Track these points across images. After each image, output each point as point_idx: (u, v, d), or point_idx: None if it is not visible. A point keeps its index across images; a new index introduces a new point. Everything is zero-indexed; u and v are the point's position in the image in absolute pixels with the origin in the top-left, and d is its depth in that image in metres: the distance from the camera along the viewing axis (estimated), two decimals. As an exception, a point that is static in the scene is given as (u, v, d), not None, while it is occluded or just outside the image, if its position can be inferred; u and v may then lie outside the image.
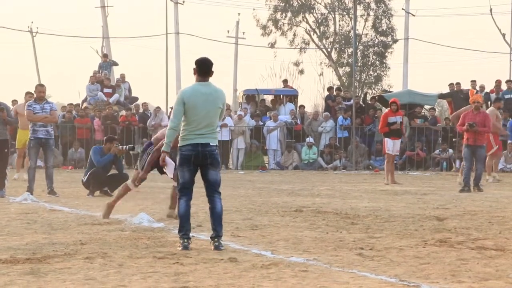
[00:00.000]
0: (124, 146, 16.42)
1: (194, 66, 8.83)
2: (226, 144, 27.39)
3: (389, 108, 20.81)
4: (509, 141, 25.87)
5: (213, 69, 8.84)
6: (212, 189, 8.83)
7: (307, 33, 49.42)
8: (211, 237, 8.76)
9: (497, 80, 29.24)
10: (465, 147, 17.75)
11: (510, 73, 44.22)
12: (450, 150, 27.17)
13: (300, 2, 48.80)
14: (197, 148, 8.69)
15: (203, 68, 8.81)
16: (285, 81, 35.32)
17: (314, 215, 12.07)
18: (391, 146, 20.36)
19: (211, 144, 8.72)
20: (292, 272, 7.26)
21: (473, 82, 28.82)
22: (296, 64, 50.09)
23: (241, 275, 7.12)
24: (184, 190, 8.84)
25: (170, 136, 8.90)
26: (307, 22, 49.28)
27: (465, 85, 28.95)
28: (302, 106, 30.58)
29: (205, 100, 8.70)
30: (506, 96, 27.99)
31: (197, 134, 8.71)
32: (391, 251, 8.47)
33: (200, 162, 8.72)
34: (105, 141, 16.54)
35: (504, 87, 29.09)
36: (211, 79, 8.89)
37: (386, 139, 20.38)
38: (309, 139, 27.87)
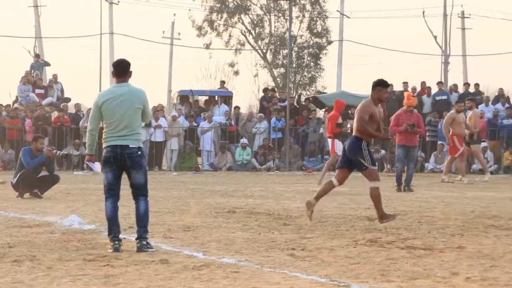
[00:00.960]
0: (58, 152, 16.21)
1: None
2: (159, 145, 27.28)
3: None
4: (439, 142, 26.23)
5: (131, 70, 8.79)
6: (136, 192, 8.78)
7: (243, 34, 49.51)
8: (135, 239, 8.72)
9: (422, 83, 29.62)
10: (399, 148, 17.97)
11: (442, 75, 44.91)
12: (383, 151, 27.45)
13: (235, 3, 48.83)
14: (116, 150, 8.66)
15: (119, 69, 8.78)
16: (222, 82, 35.33)
17: (247, 216, 12.08)
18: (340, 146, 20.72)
19: (130, 146, 8.66)
20: (224, 273, 7.26)
21: (405, 83, 29.16)
22: (232, 65, 50.17)
23: (172, 277, 7.09)
24: (110, 192, 8.80)
25: (89, 140, 8.93)
26: (243, 23, 49.37)
27: (398, 87, 29.27)
28: (236, 107, 30.60)
29: (122, 101, 8.65)
30: (437, 98, 28.38)
31: (116, 136, 8.67)
32: (322, 252, 8.52)
33: (120, 163, 8.67)
34: (32, 140, 16.42)
35: (435, 89, 29.49)
36: (131, 80, 8.85)
37: (335, 140, 20.63)
38: (243, 140, 27.89)
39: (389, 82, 30.25)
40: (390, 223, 10.88)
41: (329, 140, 20.87)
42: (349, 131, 20.53)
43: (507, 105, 28.34)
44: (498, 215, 12.17)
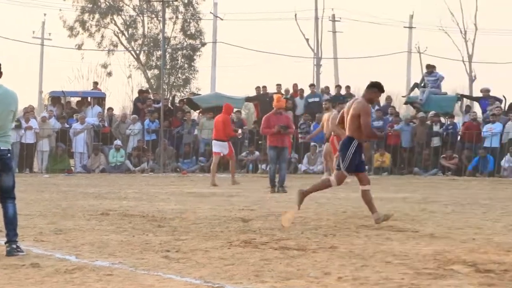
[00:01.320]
0: None
1: (-18, 70, 8.57)
2: (30, 147, 26.68)
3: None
4: (312, 144, 26.62)
5: (1, 70, 8.57)
6: (4, 195, 8.58)
7: (116, 35, 49.03)
8: (5, 243, 8.51)
9: (294, 85, 30.02)
10: (271, 149, 18.16)
11: (314, 77, 45.63)
12: (257, 153, 27.66)
13: (108, 4, 48.29)
14: (-13, 152, 8.44)
15: None
16: (95, 84, 34.88)
17: (121, 218, 11.95)
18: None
19: (2, 148, 8.45)
20: (97, 276, 7.16)
21: (279, 85, 29.47)
22: (104, 66, 49.61)
23: (43, 281, 6.94)
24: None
25: None
26: (116, 24, 48.87)
27: (271, 89, 29.58)
28: (110, 109, 30.22)
29: None
30: (310, 100, 28.80)
31: (-12, 138, 8.45)
32: (196, 253, 8.51)
33: None
34: None
35: (308, 91, 29.92)
36: (1, 81, 8.62)
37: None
38: (117, 142, 27.61)
39: (264, 84, 30.64)
40: (380, 222, 11.08)
41: (219, 143, 20.94)
42: (239, 136, 20.73)
43: (377, 107, 29.02)
44: (369, 215, 12.42)
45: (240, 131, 24.36)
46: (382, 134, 13.19)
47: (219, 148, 20.99)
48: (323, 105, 23.07)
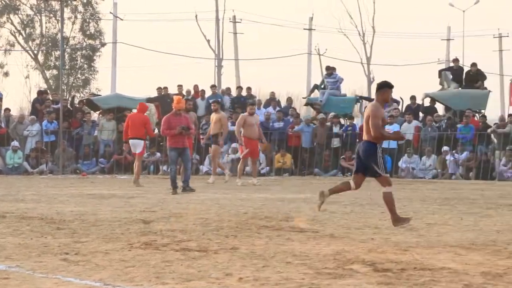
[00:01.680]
0: None
1: None
2: None
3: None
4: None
5: None
6: None
7: (12, 35, 48.10)
8: None
9: (195, 86, 30.03)
10: (172, 151, 18.13)
11: (215, 78, 45.66)
12: (158, 154, 27.51)
13: (4, 3, 47.32)
14: None
15: None
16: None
17: (18, 221, 11.71)
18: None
19: None
20: (-7, 280, 6.99)
21: (180, 86, 29.40)
22: (1, 66, 48.62)
23: None
24: None
25: None
26: (12, 23, 47.95)
27: (172, 90, 29.48)
28: (7, 109, 29.59)
29: None
30: (211, 101, 28.77)
31: None
32: (96, 255, 8.39)
33: None
34: None
35: (209, 92, 29.93)
36: None
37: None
38: (14, 143, 27.06)
39: (165, 85, 30.55)
40: (399, 226, 11.01)
41: (136, 141, 20.83)
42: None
43: (278, 108, 29.24)
44: (270, 216, 12.50)
45: (156, 130, 24.42)
46: (401, 136, 13.39)
47: (136, 146, 20.95)
48: (212, 106, 23.23)
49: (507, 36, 53.79)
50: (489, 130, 25.52)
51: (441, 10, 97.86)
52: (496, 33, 53.63)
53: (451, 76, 29.10)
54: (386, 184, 11.27)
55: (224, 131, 22.34)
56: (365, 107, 11.57)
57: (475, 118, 27.12)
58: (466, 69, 29.93)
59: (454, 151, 25.57)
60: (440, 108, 30.52)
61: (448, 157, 25.48)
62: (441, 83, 29.51)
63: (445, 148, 25.63)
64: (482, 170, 24.68)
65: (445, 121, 27.01)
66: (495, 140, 25.70)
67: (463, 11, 52.25)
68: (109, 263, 7.92)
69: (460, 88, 28.67)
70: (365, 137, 11.34)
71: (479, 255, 8.54)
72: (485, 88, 28.73)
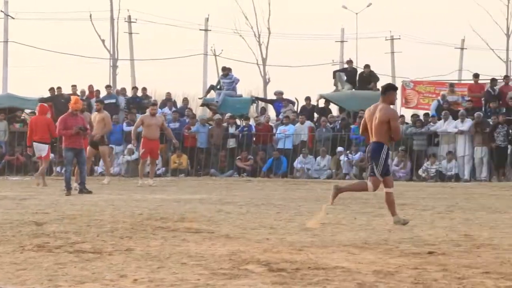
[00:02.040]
0: None
1: None
2: None
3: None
4: (111, 145, 26.35)
5: None
6: None
7: None
8: None
9: (89, 86, 29.72)
10: (68, 151, 17.95)
11: (110, 79, 45.21)
12: (52, 155, 27.03)
13: None
14: None
15: None
16: None
17: None
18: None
19: None
20: None
21: (74, 86, 29.01)
22: None
23: None
24: None
25: None
26: None
27: (66, 90, 29.04)
28: None
29: None
30: (106, 101, 28.44)
31: None
32: (-13, 259, 8.20)
33: None
34: None
35: (104, 92, 29.61)
36: None
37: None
38: None
39: (58, 85, 30.08)
40: (398, 225, 11.41)
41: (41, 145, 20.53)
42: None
43: (174, 109, 29.15)
44: (165, 217, 12.44)
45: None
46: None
47: (41, 150, 20.65)
48: (95, 106, 23.12)
49: (399, 38, 54.86)
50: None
51: (335, 12, 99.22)
52: (388, 35, 54.67)
53: (345, 78, 29.56)
54: (387, 186, 11.71)
55: (106, 130, 22.12)
56: (374, 109, 11.78)
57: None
58: (359, 70, 30.43)
59: (348, 152, 25.95)
60: (334, 109, 30.96)
61: (342, 157, 25.85)
62: (335, 84, 29.93)
63: (339, 148, 26.00)
64: (375, 170, 25.12)
65: (339, 122, 27.40)
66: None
67: (356, 13, 53.09)
68: (0, 266, 7.74)
69: (353, 89, 29.12)
70: (374, 138, 11.69)
71: (372, 254, 8.68)
72: (378, 90, 29.25)
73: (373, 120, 11.70)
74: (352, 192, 12.74)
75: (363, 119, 12.16)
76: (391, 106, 12.19)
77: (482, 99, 26.92)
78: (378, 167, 11.60)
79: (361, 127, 12.28)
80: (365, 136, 12.30)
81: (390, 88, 11.99)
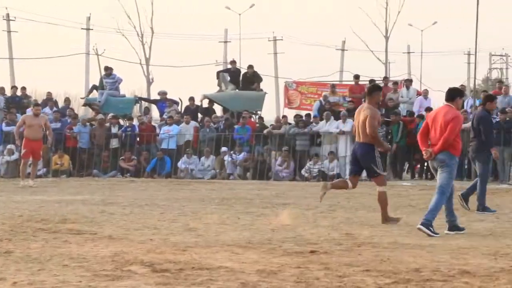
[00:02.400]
0: None
1: None
2: None
3: None
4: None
5: None
6: None
7: None
8: None
9: None
10: None
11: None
12: None
13: None
14: None
15: None
16: None
17: None
18: None
19: None
20: None
21: None
22: None
23: None
24: None
25: None
26: None
27: None
28: None
29: None
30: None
31: None
32: None
33: None
34: None
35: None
36: None
37: None
38: None
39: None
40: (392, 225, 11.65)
41: None
42: None
43: (55, 108, 28.64)
44: (46, 219, 12.23)
45: None
46: (387, 147, 14.00)
47: None
48: None
49: (282, 39, 55.50)
50: (265, 131, 26.17)
51: (218, 12, 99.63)
52: (271, 36, 55.20)
53: (228, 78, 29.63)
54: (382, 184, 12.04)
55: None
56: (360, 110, 12.24)
57: (252, 119, 27.76)
58: (243, 71, 30.58)
59: (232, 152, 26.04)
60: (218, 109, 31.02)
61: (226, 157, 25.92)
62: (219, 85, 29.98)
63: (223, 148, 26.06)
64: (259, 170, 25.28)
65: (223, 122, 27.46)
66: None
67: (239, 14, 53.38)
68: None
69: (237, 90, 29.24)
70: (361, 139, 11.98)
71: (255, 254, 8.74)
72: (261, 90, 29.48)
73: (359, 120, 12.08)
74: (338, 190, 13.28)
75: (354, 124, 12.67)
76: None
77: (363, 100, 27.42)
78: (378, 165, 12.01)
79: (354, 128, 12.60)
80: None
81: (375, 89, 12.44)
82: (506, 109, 22.75)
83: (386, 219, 12.02)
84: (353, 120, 13.13)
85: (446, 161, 10.72)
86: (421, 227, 10.60)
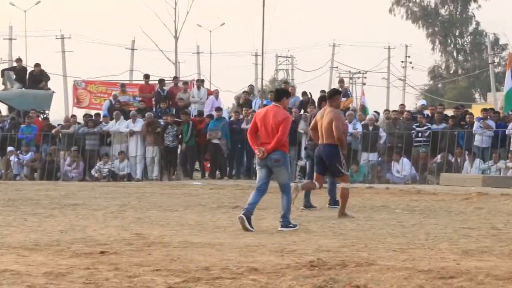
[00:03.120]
0: None
1: None
2: None
3: None
4: None
5: None
6: None
7: None
8: None
9: None
10: None
11: None
12: None
13: None
14: None
15: None
16: None
17: None
18: None
19: None
20: None
21: None
22: None
23: None
24: None
25: None
26: None
27: None
28: None
29: None
30: None
31: None
32: None
33: None
34: None
35: None
36: None
37: None
38: None
39: None
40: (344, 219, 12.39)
41: None
42: None
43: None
44: None
45: None
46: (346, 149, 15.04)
47: None
48: None
49: (70, 37, 54.67)
50: (53, 131, 25.58)
51: (2, 9, 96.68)
52: (58, 34, 54.24)
53: (14, 76, 28.80)
54: (346, 181, 12.88)
55: None
56: (322, 113, 13.08)
57: (39, 119, 27.09)
58: (30, 69, 29.80)
59: (18, 152, 25.32)
60: (4, 108, 30.07)
61: (12, 157, 25.17)
62: (4, 83, 29.08)
63: (10, 148, 25.29)
64: (47, 170, 24.72)
65: (9, 121, 26.65)
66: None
67: (25, 11, 52.09)
68: None
69: (23, 88, 28.47)
70: (325, 140, 12.75)
71: (43, 256, 8.54)
72: (49, 89, 28.86)
73: (323, 123, 12.77)
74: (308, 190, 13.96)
75: (314, 119, 13.28)
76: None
77: (153, 99, 27.41)
78: (343, 166, 12.77)
79: (311, 125, 13.48)
80: (313, 134, 13.44)
81: (335, 93, 13.37)
82: (292, 110, 23.46)
83: (342, 213, 12.80)
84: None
85: (281, 160, 11.20)
86: (283, 228, 11.11)
